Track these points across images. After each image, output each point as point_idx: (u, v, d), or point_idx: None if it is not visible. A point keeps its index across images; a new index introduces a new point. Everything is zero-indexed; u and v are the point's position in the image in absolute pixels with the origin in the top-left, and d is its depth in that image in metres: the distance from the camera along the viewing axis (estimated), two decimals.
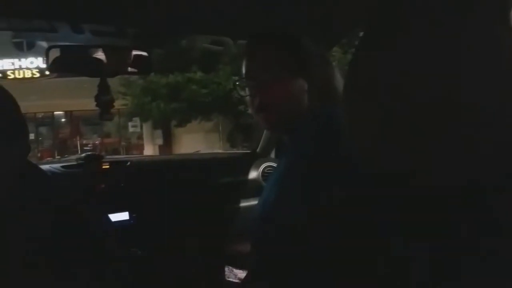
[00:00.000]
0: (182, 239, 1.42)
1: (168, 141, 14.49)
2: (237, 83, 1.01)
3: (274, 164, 1.62)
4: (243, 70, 0.94)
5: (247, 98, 0.93)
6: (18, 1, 0.96)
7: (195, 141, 13.21)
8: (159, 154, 14.31)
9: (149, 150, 14.55)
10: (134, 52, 1.24)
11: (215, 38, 1.36)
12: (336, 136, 0.66)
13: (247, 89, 0.94)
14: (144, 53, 1.23)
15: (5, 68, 14.04)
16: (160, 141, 14.43)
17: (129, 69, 1.24)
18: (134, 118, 13.40)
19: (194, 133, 13.01)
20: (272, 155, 1.76)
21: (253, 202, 1.55)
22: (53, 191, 0.71)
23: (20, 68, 14.16)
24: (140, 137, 15.58)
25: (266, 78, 0.87)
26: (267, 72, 0.88)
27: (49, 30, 1.16)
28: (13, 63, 14.12)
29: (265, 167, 1.63)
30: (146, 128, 14.35)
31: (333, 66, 0.93)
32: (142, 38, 1.38)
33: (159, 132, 14.16)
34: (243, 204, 1.60)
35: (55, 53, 1.16)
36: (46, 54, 1.14)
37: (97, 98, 1.19)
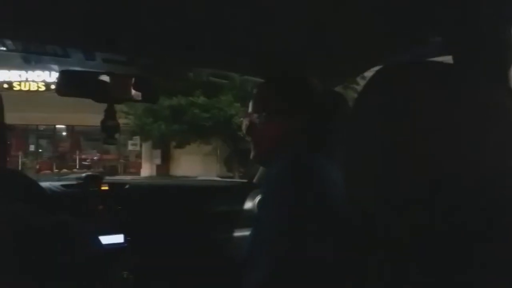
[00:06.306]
0: (174, 265, 1.43)
1: (166, 161, 14.47)
2: (241, 119, 1.06)
3: None
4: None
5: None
6: (37, 28, 1.02)
7: (193, 163, 13.21)
8: (157, 173, 14.30)
9: (147, 168, 14.51)
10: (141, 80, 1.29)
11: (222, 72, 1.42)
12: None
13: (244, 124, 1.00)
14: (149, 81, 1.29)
15: (11, 79, 14.22)
16: (158, 161, 14.42)
17: (137, 96, 1.28)
18: (134, 137, 13.42)
19: (192, 155, 13.00)
20: None
21: (247, 232, 1.57)
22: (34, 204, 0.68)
23: (27, 81, 14.35)
24: (138, 155, 15.56)
25: (261, 118, 0.94)
26: (262, 113, 0.94)
27: (63, 56, 1.22)
28: (20, 75, 14.31)
29: (260, 198, 1.65)
30: (145, 147, 14.36)
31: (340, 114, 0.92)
32: (151, 67, 1.43)
33: (157, 152, 14.17)
34: (237, 234, 1.62)
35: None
36: (58, 78, 1.19)
37: (103, 123, 1.22)
